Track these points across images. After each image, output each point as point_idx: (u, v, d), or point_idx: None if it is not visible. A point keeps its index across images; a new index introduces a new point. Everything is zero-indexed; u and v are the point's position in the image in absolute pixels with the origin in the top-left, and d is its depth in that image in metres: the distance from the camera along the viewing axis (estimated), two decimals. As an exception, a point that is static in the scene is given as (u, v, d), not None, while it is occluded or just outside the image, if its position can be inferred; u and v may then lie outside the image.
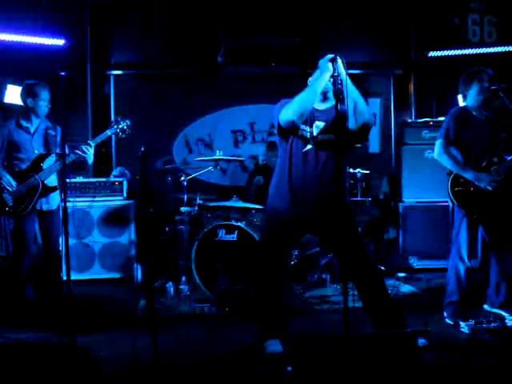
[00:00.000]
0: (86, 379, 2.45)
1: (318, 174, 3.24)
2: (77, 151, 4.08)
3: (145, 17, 6.45)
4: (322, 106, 3.32)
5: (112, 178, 5.74)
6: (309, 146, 3.28)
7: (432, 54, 6.49)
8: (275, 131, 3.43)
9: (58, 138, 4.22)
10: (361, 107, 3.18)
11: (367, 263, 3.31)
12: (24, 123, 4.19)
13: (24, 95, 4.18)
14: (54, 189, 4.16)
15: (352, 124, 3.15)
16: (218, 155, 5.19)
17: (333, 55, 3.10)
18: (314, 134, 3.27)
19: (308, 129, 3.28)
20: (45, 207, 4.17)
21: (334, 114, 3.03)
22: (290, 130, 3.27)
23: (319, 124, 3.27)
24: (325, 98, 3.28)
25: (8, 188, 4.03)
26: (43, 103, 4.17)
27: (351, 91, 3.10)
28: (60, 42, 5.86)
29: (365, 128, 3.24)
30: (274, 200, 3.41)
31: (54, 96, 4.25)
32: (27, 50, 5.70)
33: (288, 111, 3.19)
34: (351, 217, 3.37)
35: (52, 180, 4.18)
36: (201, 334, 3.90)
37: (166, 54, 6.58)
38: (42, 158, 4.14)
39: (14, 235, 4.35)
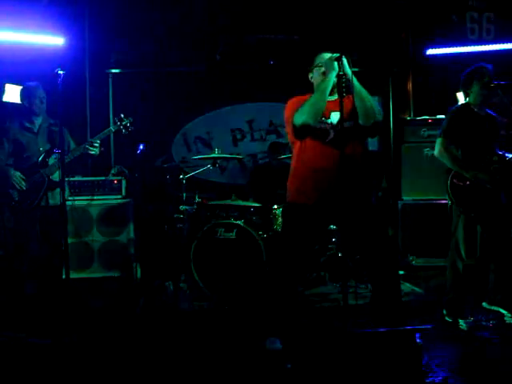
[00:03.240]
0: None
1: (342, 163, 3.08)
2: (86, 146, 4.29)
3: (143, 15, 6.43)
4: (332, 98, 3.27)
5: (111, 177, 5.73)
6: (331, 136, 3.25)
7: (430, 51, 6.49)
8: (290, 133, 3.36)
9: (65, 138, 4.40)
10: (370, 106, 3.18)
11: (383, 259, 3.25)
12: (27, 124, 4.37)
13: (21, 97, 4.42)
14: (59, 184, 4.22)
15: (361, 122, 3.17)
16: (217, 153, 5.19)
17: (338, 54, 3.10)
18: (334, 122, 3.25)
19: (327, 120, 3.26)
20: (51, 202, 4.29)
21: (347, 103, 3.07)
22: (306, 130, 3.24)
23: (336, 113, 3.21)
24: (332, 92, 3.24)
25: (17, 187, 4.19)
26: (38, 101, 4.35)
27: (359, 90, 3.11)
28: (59, 40, 5.84)
29: (374, 126, 3.24)
30: (297, 196, 3.35)
31: (53, 95, 4.27)
32: (26, 49, 5.68)
33: (302, 115, 3.18)
34: (372, 207, 3.35)
35: (57, 175, 4.24)
36: (200, 331, 3.90)
37: (165, 52, 6.57)
38: (47, 154, 4.32)
39: (15, 232, 4.38)
